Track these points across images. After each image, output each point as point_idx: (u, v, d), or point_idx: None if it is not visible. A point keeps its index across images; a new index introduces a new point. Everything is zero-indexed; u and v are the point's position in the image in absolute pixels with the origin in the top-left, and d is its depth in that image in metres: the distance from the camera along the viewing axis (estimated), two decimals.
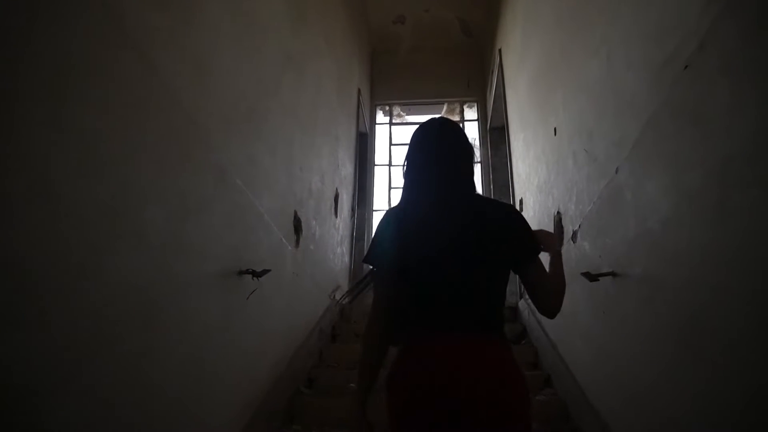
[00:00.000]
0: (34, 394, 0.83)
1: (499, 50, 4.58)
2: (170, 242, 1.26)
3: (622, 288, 1.58)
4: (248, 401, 1.81)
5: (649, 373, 1.38)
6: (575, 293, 2.07)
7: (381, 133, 6.11)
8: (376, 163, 5.90)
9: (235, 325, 1.69)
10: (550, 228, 2.54)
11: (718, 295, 1.04)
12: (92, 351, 0.97)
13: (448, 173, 1.10)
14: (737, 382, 0.98)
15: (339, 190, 3.84)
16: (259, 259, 1.87)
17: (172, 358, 1.26)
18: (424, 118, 1.23)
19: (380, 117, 6.18)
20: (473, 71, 6.00)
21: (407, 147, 1.17)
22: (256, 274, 1.69)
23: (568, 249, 2.22)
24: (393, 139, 6.04)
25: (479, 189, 5.44)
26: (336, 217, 3.72)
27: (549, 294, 1.04)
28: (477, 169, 5.55)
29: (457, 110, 6.13)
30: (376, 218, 5.41)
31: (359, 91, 5.00)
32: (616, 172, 1.59)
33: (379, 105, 6.13)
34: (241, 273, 1.67)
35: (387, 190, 5.79)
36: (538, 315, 2.83)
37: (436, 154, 1.12)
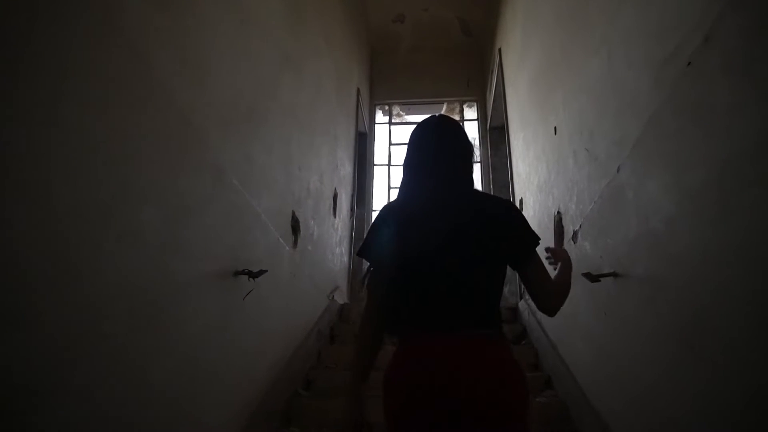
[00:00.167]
0: (34, 393, 0.83)
1: (499, 49, 4.57)
2: (166, 242, 1.25)
3: (623, 289, 1.56)
4: (246, 402, 1.80)
5: (650, 374, 1.37)
6: (576, 294, 2.04)
7: (380, 132, 6.09)
8: (375, 162, 5.89)
9: (232, 326, 1.67)
10: (550, 228, 2.52)
11: (721, 295, 1.03)
12: (89, 351, 0.96)
13: (446, 170, 1.10)
14: (738, 382, 0.97)
15: (338, 190, 3.82)
16: (256, 260, 1.85)
17: (166, 358, 1.25)
18: (423, 118, 1.22)
19: (379, 117, 6.16)
20: (473, 71, 5.99)
21: (407, 145, 1.17)
22: (253, 275, 1.67)
23: (568, 249, 2.20)
24: (392, 138, 6.02)
25: (479, 188, 5.42)
26: (335, 217, 3.70)
27: (550, 294, 1.04)
28: (477, 169, 5.54)
29: (457, 110, 6.11)
30: None
31: (358, 90, 4.98)
32: (618, 171, 1.57)
33: (379, 105, 6.12)
34: (238, 274, 1.65)
35: (386, 189, 5.77)
36: (539, 315, 2.82)
37: (435, 151, 1.12)
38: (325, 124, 3.42)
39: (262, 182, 2.00)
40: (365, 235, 1.13)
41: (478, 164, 5.55)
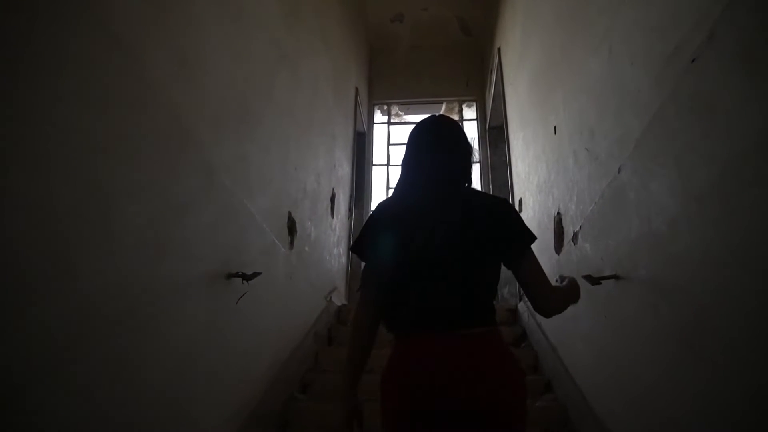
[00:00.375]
0: (31, 393, 0.83)
1: (498, 49, 4.54)
2: (154, 244, 1.22)
3: (624, 291, 1.53)
4: (242, 405, 1.77)
5: (650, 375, 1.36)
6: None
7: (379, 132, 6.06)
8: (374, 162, 5.85)
9: (227, 328, 1.64)
10: (550, 228, 2.49)
11: (721, 296, 1.01)
12: (88, 351, 0.97)
13: (444, 168, 1.10)
14: (738, 382, 0.96)
15: (336, 190, 3.79)
16: (251, 262, 1.82)
17: (162, 360, 1.24)
18: (422, 118, 1.22)
19: (378, 116, 6.13)
20: (472, 70, 5.97)
21: (405, 144, 1.18)
22: (246, 278, 1.64)
23: (568, 251, 2.17)
24: (391, 138, 5.99)
25: (478, 188, 5.39)
26: (332, 217, 3.66)
27: (546, 296, 1.03)
28: (476, 169, 5.50)
29: (456, 109, 6.08)
30: None
31: (357, 90, 4.95)
32: (619, 171, 1.54)
33: (377, 104, 6.09)
34: (231, 276, 1.62)
35: (385, 189, 5.74)
36: (538, 318, 2.79)
37: (433, 150, 1.12)
38: (323, 124, 3.38)
39: (257, 183, 1.97)
40: (360, 231, 1.13)
41: (477, 164, 5.52)
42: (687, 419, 1.16)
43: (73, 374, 0.93)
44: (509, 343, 1.97)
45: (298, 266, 2.62)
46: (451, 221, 1.02)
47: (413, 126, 1.20)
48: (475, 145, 5.77)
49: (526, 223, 1.10)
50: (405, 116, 6.24)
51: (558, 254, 2.35)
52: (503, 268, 1.07)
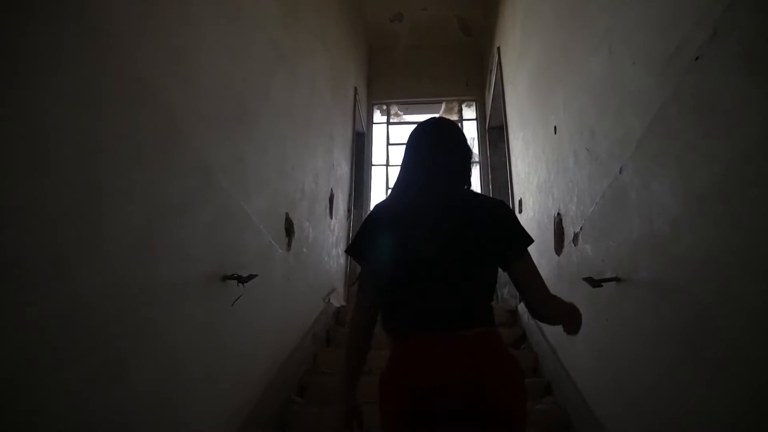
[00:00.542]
0: (28, 394, 0.84)
1: (498, 48, 4.52)
2: (151, 245, 1.20)
3: (625, 293, 1.51)
4: (239, 407, 1.75)
5: (650, 376, 1.35)
6: (576, 299, 2.00)
7: (378, 132, 6.04)
8: (373, 163, 5.83)
9: (223, 330, 1.62)
10: (550, 229, 2.46)
11: (722, 296, 1.00)
12: (87, 352, 0.97)
13: (443, 170, 1.10)
14: (738, 382, 0.95)
15: (334, 191, 3.77)
16: (247, 263, 1.80)
17: (158, 361, 1.23)
18: (422, 118, 1.23)
19: (377, 116, 6.11)
20: (472, 70, 5.94)
21: (405, 145, 1.18)
22: (242, 280, 1.61)
23: (569, 252, 2.15)
24: (390, 138, 5.97)
25: (478, 189, 5.37)
26: (331, 218, 3.64)
27: (543, 301, 1.01)
28: (475, 169, 5.48)
29: (456, 109, 6.06)
30: None
31: (356, 89, 4.93)
32: (620, 171, 1.52)
33: (377, 104, 6.06)
34: (226, 278, 1.59)
35: (384, 190, 5.72)
36: None
37: (432, 152, 1.12)
38: (321, 124, 3.36)
39: (254, 183, 1.95)
40: (355, 234, 1.12)
41: (477, 164, 5.50)
42: (687, 420, 1.15)
43: (71, 375, 0.92)
44: (509, 345, 1.95)
45: (296, 267, 2.60)
46: (451, 221, 1.02)
47: (413, 127, 1.20)
48: (475, 144, 5.75)
49: (527, 223, 1.09)
50: (404, 116, 6.22)
51: (558, 255, 2.33)
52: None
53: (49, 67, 0.89)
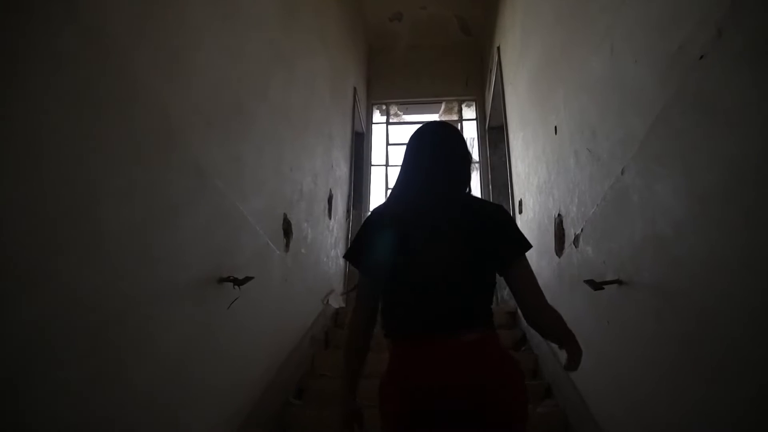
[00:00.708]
0: (26, 394, 0.83)
1: (498, 48, 4.50)
2: (146, 246, 1.19)
3: (627, 295, 1.50)
4: (236, 410, 1.74)
5: (651, 378, 1.34)
6: (576, 301, 1.98)
7: (378, 132, 6.01)
8: (372, 163, 5.81)
9: (220, 333, 1.60)
10: (550, 231, 2.44)
11: (728, 299, 0.98)
12: (85, 352, 0.96)
13: (443, 174, 1.10)
14: (739, 383, 0.95)
15: (333, 191, 3.74)
16: (244, 265, 1.78)
17: (157, 363, 1.23)
18: (421, 118, 1.24)
19: (377, 116, 6.08)
20: (472, 70, 5.92)
21: (404, 148, 1.19)
22: (238, 282, 1.59)
23: (569, 254, 2.13)
24: (390, 138, 5.94)
25: (477, 189, 5.35)
26: (330, 218, 3.62)
27: (539, 309, 1.00)
28: (475, 169, 5.46)
29: (455, 109, 6.03)
30: None
31: (355, 89, 4.90)
32: (622, 172, 1.50)
33: (376, 104, 6.04)
34: (222, 281, 1.57)
35: (384, 190, 5.69)
36: None
37: (432, 155, 1.12)
38: (320, 124, 3.34)
39: (250, 184, 1.93)
40: (353, 239, 1.13)
41: (477, 164, 5.48)
42: (687, 421, 1.15)
43: (71, 375, 0.92)
44: (509, 347, 1.92)
45: (294, 269, 2.58)
46: (451, 222, 1.02)
47: (413, 128, 1.21)
48: (475, 144, 5.73)
49: (527, 224, 1.08)
50: (404, 116, 6.19)
51: (559, 257, 2.31)
52: None
53: (49, 67, 0.89)
